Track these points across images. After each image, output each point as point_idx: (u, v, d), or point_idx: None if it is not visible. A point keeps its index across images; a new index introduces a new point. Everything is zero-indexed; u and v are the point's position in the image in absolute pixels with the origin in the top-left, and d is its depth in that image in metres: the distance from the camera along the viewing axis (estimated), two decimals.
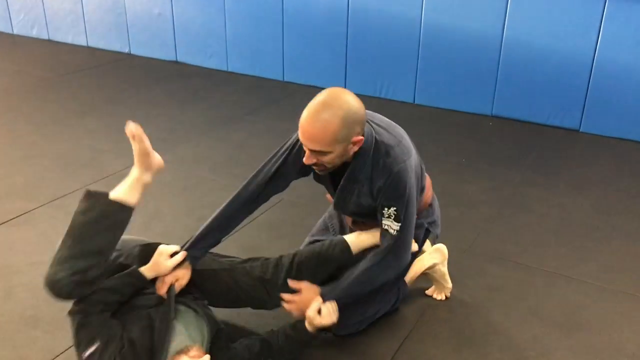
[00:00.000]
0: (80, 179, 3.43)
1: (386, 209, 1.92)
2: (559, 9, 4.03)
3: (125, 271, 1.89)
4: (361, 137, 1.84)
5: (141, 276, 1.90)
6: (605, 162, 3.78)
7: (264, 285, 2.07)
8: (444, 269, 2.39)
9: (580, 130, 4.23)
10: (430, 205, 2.26)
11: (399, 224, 1.92)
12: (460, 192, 3.36)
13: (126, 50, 6.19)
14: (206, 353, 1.76)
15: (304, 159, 1.87)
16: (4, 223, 2.96)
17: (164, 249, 1.97)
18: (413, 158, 1.97)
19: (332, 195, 2.13)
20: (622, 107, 4.04)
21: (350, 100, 1.80)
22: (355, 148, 1.86)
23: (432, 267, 2.36)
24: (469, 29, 4.38)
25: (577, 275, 2.60)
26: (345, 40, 4.89)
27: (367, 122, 1.91)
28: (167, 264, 1.93)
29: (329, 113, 1.76)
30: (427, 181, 2.21)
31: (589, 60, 4.04)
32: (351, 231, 2.24)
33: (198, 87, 5.19)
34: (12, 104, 4.73)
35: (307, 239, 2.36)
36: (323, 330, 1.98)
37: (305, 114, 1.79)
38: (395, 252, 1.97)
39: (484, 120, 4.47)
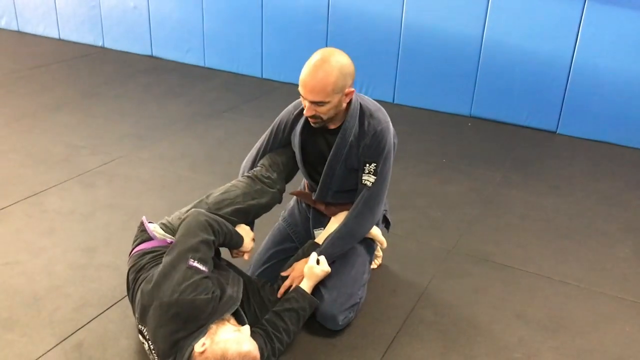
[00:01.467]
0: (56, 175, 3.33)
1: (367, 165, 2.17)
2: (539, 12, 4.06)
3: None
4: (352, 90, 2.10)
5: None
6: (582, 163, 3.84)
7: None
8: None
9: (558, 132, 4.28)
10: None
11: (375, 177, 2.17)
12: (442, 192, 3.36)
13: (100, 44, 6.05)
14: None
15: (305, 112, 2.10)
16: None
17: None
18: (389, 122, 2.23)
19: (314, 180, 2.31)
20: (599, 110, 4.10)
21: (342, 56, 2.06)
22: (347, 100, 2.10)
23: None
24: (449, 29, 4.39)
25: (559, 276, 2.62)
26: (325, 39, 4.86)
27: (357, 97, 2.17)
28: (251, 243, 2.22)
29: (328, 67, 2.00)
30: None
31: (567, 63, 4.08)
32: (323, 218, 2.41)
33: (175, 83, 5.10)
34: None
35: (262, 254, 2.43)
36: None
37: (306, 69, 2.03)
38: (368, 204, 2.19)
39: (463, 121, 4.49)
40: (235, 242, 2.13)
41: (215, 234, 1.99)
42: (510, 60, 4.26)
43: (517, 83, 4.30)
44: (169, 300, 1.77)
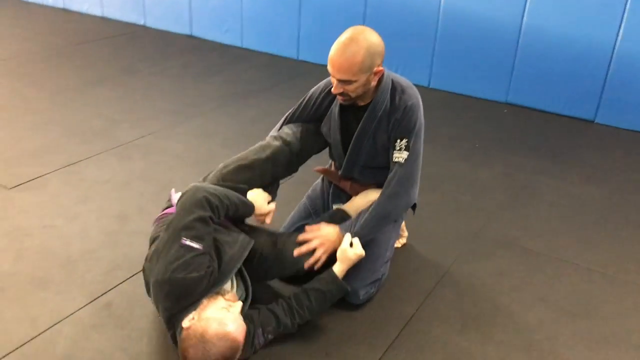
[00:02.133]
0: (93, 147, 3.45)
1: (398, 140, 2.16)
2: None
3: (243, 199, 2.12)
4: (382, 69, 2.10)
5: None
6: (619, 153, 3.75)
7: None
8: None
9: (596, 121, 4.19)
10: None
11: (407, 153, 2.14)
12: (473, 177, 3.34)
13: (141, 23, 6.17)
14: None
15: (333, 89, 2.12)
16: (16, 186, 2.97)
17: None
18: (419, 98, 2.21)
19: (341, 155, 2.31)
20: (639, 100, 3.99)
21: (372, 35, 2.06)
22: (376, 79, 2.11)
23: None
24: (487, 15, 4.33)
25: (586, 263, 2.59)
26: (363, 21, 4.85)
27: (388, 75, 2.18)
28: (267, 206, 2.22)
29: (356, 46, 2.00)
30: None
31: (609, 51, 3.98)
32: (341, 193, 2.46)
33: (212, 62, 5.17)
34: (25, 70, 4.74)
35: (285, 229, 2.49)
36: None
37: (335, 48, 2.03)
38: (402, 183, 2.16)
39: (498, 107, 4.44)
40: (243, 212, 2.11)
41: (213, 210, 1.93)
42: (549, 47, 4.18)
43: (555, 70, 4.22)
44: (162, 279, 1.79)
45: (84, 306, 2.18)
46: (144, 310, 2.16)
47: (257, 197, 2.19)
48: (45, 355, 1.95)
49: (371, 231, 2.19)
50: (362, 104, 2.21)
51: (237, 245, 2.00)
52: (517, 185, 3.27)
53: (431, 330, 2.15)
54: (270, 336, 1.98)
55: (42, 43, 5.48)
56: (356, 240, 2.15)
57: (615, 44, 3.95)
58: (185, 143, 3.60)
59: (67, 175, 3.12)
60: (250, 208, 2.14)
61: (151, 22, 6.11)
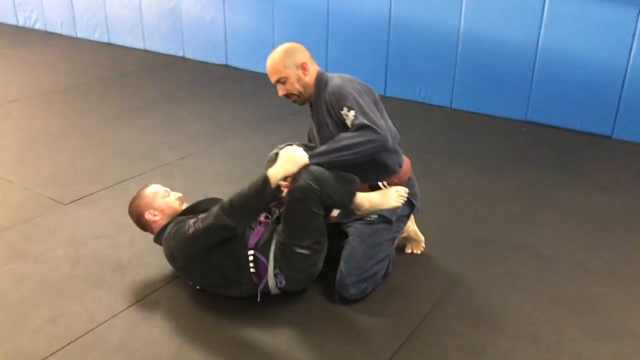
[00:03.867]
0: (139, 167, 3.77)
1: (342, 111, 2.38)
2: (594, 19, 4.17)
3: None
4: (305, 61, 2.49)
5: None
6: (636, 167, 3.90)
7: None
8: (414, 227, 2.81)
9: (613, 136, 4.35)
10: (410, 179, 2.64)
11: (353, 111, 2.34)
12: (490, 190, 3.54)
13: (180, 54, 6.59)
14: None
15: (279, 93, 2.55)
16: (72, 202, 3.30)
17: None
18: (352, 79, 2.49)
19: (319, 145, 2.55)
20: None
21: (288, 43, 2.55)
22: (307, 73, 2.50)
23: (407, 229, 2.76)
24: (505, 37, 4.56)
25: (597, 267, 2.75)
26: (387, 47, 5.13)
27: (323, 72, 2.55)
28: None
29: (275, 52, 2.52)
30: (406, 160, 2.65)
31: (623, 68, 4.16)
32: None
33: (247, 90, 5.51)
34: (77, 100, 5.16)
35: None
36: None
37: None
38: (361, 122, 2.31)
39: (518, 126, 4.63)
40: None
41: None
42: (565, 66, 4.38)
43: (572, 88, 4.40)
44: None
45: (134, 304, 2.45)
46: (187, 307, 2.42)
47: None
48: (102, 344, 2.22)
49: (328, 155, 2.31)
50: (312, 101, 2.56)
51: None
52: (532, 197, 3.45)
53: (446, 325, 2.35)
54: (199, 221, 2.30)
55: (91, 75, 5.92)
56: (301, 150, 2.32)
57: (628, 61, 4.13)
58: (222, 162, 3.90)
59: (116, 192, 3.44)
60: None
61: (189, 53, 6.52)
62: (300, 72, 2.49)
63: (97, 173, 3.68)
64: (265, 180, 2.27)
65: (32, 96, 5.22)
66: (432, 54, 4.93)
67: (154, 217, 2.49)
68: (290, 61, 2.48)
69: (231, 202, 2.29)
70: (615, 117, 4.30)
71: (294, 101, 2.58)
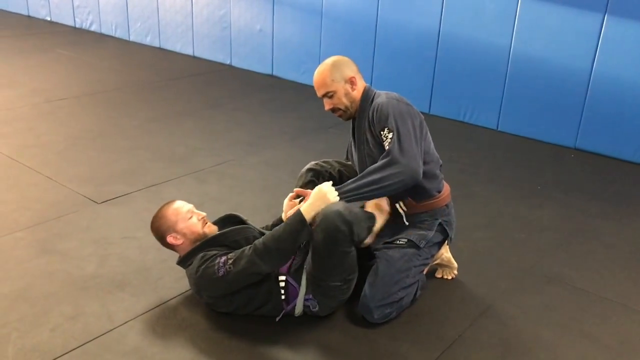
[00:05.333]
0: (175, 170, 3.79)
1: (382, 132, 2.34)
2: None
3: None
4: (353, 75, 2.44)
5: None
6: None
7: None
8: (448, 254, 2.69)
9: None
10: (447, 205, 2.56)
11: (392, 134, 2.29)
12: (531, 217, 3.40)
13: (228, 62, 6.65)
14: None
15: (325, 108, 2.50)
16: (106, 201, 3.33)
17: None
18: (399, 99, 2.43)
19: (356, 162, 2.59)
20: None
21: (336, 56, 2.50)
22: (355, 88, 2.45)
23: (439, 256, 2.66)
24: (558, 60, 4.40)
25: (637, 305, 2.59)
26: (434, 64, 5.04)
27: (370, 88, 2.51)
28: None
29: (323, 66, 2.47)
30: (445, 187, 2.57)
31: None
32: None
33: (289, 100, 5.50)
34: (122, 101, 5.25)
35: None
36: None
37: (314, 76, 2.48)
38: (393, 154, 2.25)
39: (566, 152, 4.46)
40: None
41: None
42: (620, 93, 4.19)
43: (626, 117, 4.21)
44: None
45: (154, 307, 2.43)
46: (206, 317, 2.38)
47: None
48: (118, 346, 2.20)
49: (357, 191, 2.26)
50: (356, 117, 2.51)
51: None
52: (575, 227, 3.29)
53: (471, 355, 2.23)
54: (230, 262, 2.21)
55: (139, 77, 6.03)
56: (333, 189, 2.26)
57: None
58: (257, 171, 3.88)
59: (149, 194, 3.45)
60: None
61: (237, 62, 6.57)
62: (348, 86, 2.45)
63: (133, 174, 3.71)
64: (303, 220, 2.22)
65: (80, 95, 5.35)
66: (480, 74, 4.81)
67: (177, 241, 2.38)
68: (338, 75, 2.43)
69: (265, 245, 2.22)
70: None
71: (340, 116, 2.53)
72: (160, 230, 2.40)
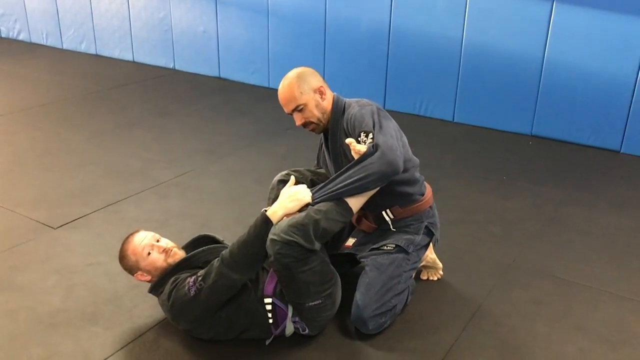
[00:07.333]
0: (132, 186, 3.57)
1: (360, 136, 2.21)
2: (600, 31, 4.06)
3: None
4: (321, 85, 2.33)
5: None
6: None
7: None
8: (432, 255, 2.64)
9: (621, 151, 4.23)
10: (431, 207, 2.50)
11: (370, 132, 2.18)
12: (502, 209, 3.39)
13: (171, 66, 6.39)
14: None
15: (296, 123, 2.36)
16: (62, 226, 3.10)
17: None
18: (372, 104, 2.35)
19: (332, 174, 2.45)
20: None
21: (299, 68, 2.36)
22: (324, 97, 2.34)
23: (424, 258, 2.59)
24: (510, 49, 4.44)
25: (622, 292, 2.61)
26: (386, 59, 4.99)
27: (339, 97, 2.39)
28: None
29: (287, 79, 2.32)
30: (428, 188, 2.51)
31: (632, 82, 4.05)
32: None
33: (241, 103, 5.33)
34: (64, 114, 4.94)
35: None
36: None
37: (278, 92, 2.33)
38: (369, 148, 2.13)
39: (523, 140, 4.50)
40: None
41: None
42: (572, 80, 4.26)
43: (579, 102, 4.29)
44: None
45: (133, 341, 2.25)
46: (188, 346, 2.23)
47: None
48: None
49: (333, 188, 2.15)
50: (329, 129, 2.39)
51: None
52: (546, 216, 3.31)
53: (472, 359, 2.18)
54: (200, 279, 2.08)
55: (78, 88, 5.70)
56: (304, 187, 2.20)
57: (638, 73, 4.02)
58: (220, 180, 3.71)
59: (108, 214, 3.24)
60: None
61: (180, 66, 6.33)
62: (317, 96, 2.33)
63: (88, 194, 3.48)
64: (266, 220, 2.11)
65: (16, 111, 5.00)
66: (434, 67, 4.79)
67: (145, 278, 2.26)
68: (306, 86, 2.31)
69: (231, 253, 2.09)
70: (624, 131, 4.19)
71: (312, 129, 2.40)
72: (127, 269, 2.29)
